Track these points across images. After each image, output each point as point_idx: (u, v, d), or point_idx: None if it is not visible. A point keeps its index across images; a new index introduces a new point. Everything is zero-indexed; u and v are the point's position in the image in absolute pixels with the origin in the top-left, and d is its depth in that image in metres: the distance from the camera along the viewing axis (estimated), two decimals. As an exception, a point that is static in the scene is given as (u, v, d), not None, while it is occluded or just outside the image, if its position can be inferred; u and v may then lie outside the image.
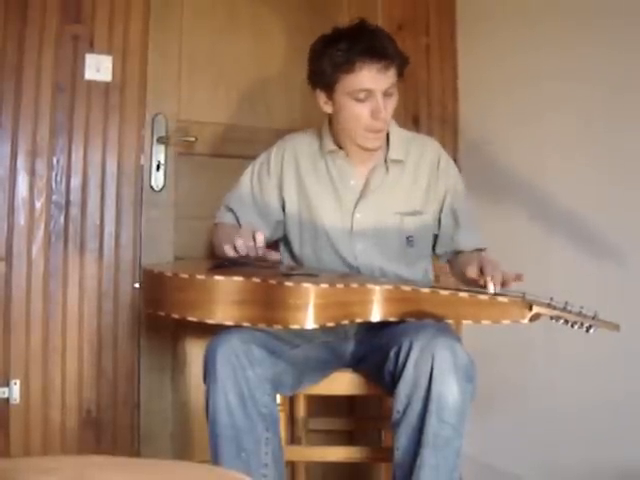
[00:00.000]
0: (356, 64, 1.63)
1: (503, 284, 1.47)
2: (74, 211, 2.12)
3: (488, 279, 1.47)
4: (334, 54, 1.65)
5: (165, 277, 1.50)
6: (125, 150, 2.18)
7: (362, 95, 1.66)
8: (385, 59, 1.64)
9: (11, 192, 2.05)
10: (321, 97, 1.74)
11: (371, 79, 1.64)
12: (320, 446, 2.08)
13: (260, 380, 1.50)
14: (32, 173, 2.07)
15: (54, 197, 2.10)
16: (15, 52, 2.06)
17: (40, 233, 2.08)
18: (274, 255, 1.62)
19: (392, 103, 1.70)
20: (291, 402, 1.98)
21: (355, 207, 1.79)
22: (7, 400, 2.02)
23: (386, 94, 1.67)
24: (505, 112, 2.31)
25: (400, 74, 1.70)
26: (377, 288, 1.48)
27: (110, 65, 2.15)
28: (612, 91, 1.91)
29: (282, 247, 1.90)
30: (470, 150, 2.46)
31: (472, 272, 1.53)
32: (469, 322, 1.49)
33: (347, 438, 2.25)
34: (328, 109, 1.75)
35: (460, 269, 1.71)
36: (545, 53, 2.13)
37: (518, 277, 1.48)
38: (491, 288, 1.46)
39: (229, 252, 1.57)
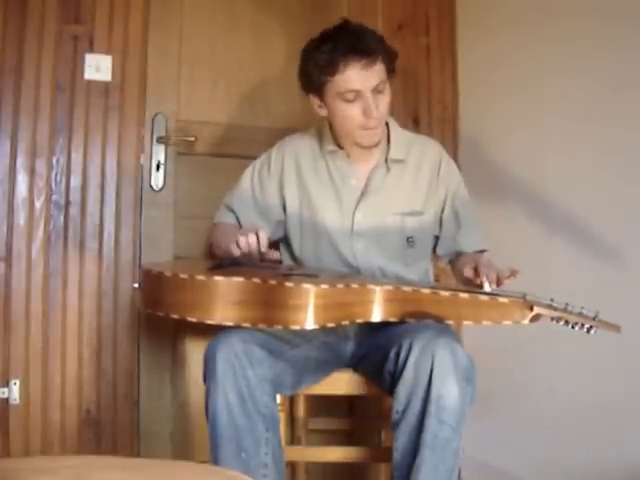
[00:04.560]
0: (340, 64, 1.62)
1: (498, 282, 1.50)
2: (74, 211, 2.12)
3: (484, 279, 1.50)
4: (318, 57, 1.64)
5: (164, 277, 1.50)
6: (125, 150, 2.18)
7: (351, 96, 1.65)
8: (368, 55, 1.62)
9: (11, 192, 2.05)
10: (314, 101, 1.74)
11: (357, 78, 1.63)
12: (320, 446, 2.08)
13: (260, 380, 1.50)
14: (32, 173, 2.07)
15: (54, 197, 2.10)
16: (15, 52, 2.06)
17: (40, 233, 2.07)
18: (274, 254, 1.63)
19: (384, 99, 1.68)
20: (291, 402, 1.99)
21: (356, 207, 1.79)
22: (7, 400, 2.02)
23: (376, 91, 1.65)
24: (505, 112, 2.30)
25: (390, 70, 1.69)
26: (377, 288, 1.48)
27: (110, 65, 2.15)
28: (612, 91, 1.90)
29: (282, 247, 1.90)
30: (470, 150, 2.46)
31: (468, 272, 1.56)
32: (470, 323, 1.49)
33: (347, 438, 2.24)
34: (323, 112, 1.74)
35: (459, 270, 1.73)
36: (545, 53, 2.13)
37: (513, 273, 1.50)
38: (487, 287, 1.48)
39: (233, 249, 1.56)
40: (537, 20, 2.17)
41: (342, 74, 1.63)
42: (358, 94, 1.65)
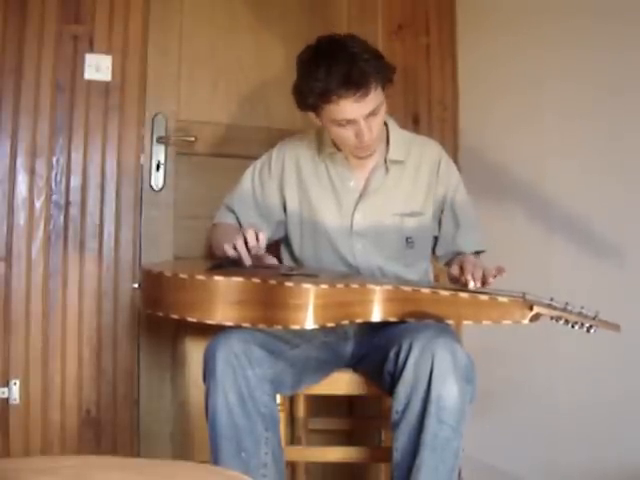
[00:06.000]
0: (333, 97, 1.60)
1: (484, 280, 1.51)
2: (74, 211, 2.12)
3: (468, 277, 1.51)
4: (313, 84, 1.62)
5: (164, 277, 1.50)
6: (125, 150, 2.18)
7: (344, 122, 1.65)
8: (362, 87, 1.59)
9: (11, 192, 2.05)
10: (310, 115, 1.73)
11: (349, 109, 1.61)
12: (320, 446, 2.08)
13: (260, 380, 1.51)
14: (32, 173, 2.07)
15: (54, 197, 2.09)
16: (15, 52, 2.05)
17: (40, 233, 2.07)
18: (270, 260, 1.63)
19: (378, 120, 1.67)
20: (291, 402, 1.99)
21: (355, 208, 1.79)
22: (7, 400, 2.02)
23: (370, 115, 1.64)
24: (505, 112, 2.30)
25: (388, 82, 1.67)
26: (377, 288, 1.48)
27: (110, 65, 2.15)
28: (612, 91, 1.91)
29: (282, 247, 1.90)
30: (470, 150, 2.46)
31: (454, 271, 1.57)
32: (469, 322, 1.49)
33: (347, 438, 2.25)
34: (319, 123, 1.74)
35: (448, 270, 1.74)
36: (545, 54, 2.13)
37: (499, 271, 1.50)
38: (471, 285, 1.50)
39: (229, 251, 1.56)
40: (537, 21, 2.17)
41: (336, 105, 1.61)
42: (351, 121, 1.64)
